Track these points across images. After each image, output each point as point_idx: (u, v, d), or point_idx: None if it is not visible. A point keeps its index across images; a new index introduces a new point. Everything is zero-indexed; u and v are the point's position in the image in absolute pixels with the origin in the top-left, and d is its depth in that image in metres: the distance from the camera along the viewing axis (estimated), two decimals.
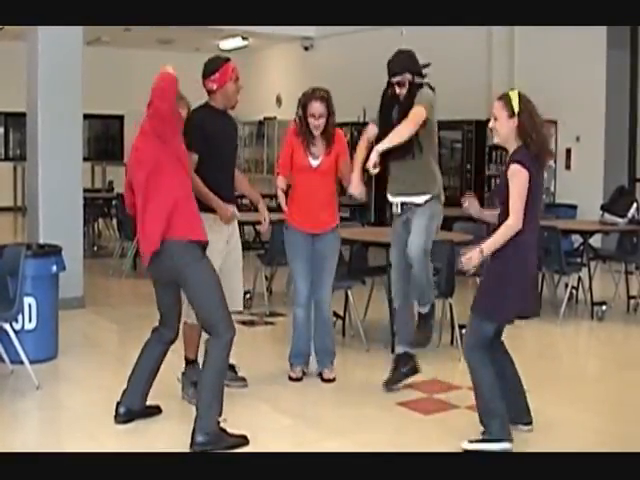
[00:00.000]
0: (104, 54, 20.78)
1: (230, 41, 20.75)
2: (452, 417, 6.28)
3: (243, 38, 20.38)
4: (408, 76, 6.59)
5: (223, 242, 6.33)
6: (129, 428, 5.76)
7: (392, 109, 6.63)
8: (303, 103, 6.93)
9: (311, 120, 6.84)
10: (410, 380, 6.87)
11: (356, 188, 6.46)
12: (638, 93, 14.81)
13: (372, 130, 6.68)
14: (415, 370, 6.91)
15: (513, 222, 5.27)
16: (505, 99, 5.41)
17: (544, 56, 14.59)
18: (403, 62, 6.74)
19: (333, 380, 7.01)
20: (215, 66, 6.45)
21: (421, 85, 6.59)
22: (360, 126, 18.11)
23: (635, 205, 10.62)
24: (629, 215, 10.37)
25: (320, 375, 7.07)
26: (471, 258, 5.34)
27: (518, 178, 5.26)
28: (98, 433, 5.71)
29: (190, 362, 6.46)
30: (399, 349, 6.92)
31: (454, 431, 5.77)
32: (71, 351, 7.80)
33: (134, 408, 5.79)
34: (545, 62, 14.47)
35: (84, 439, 5.60)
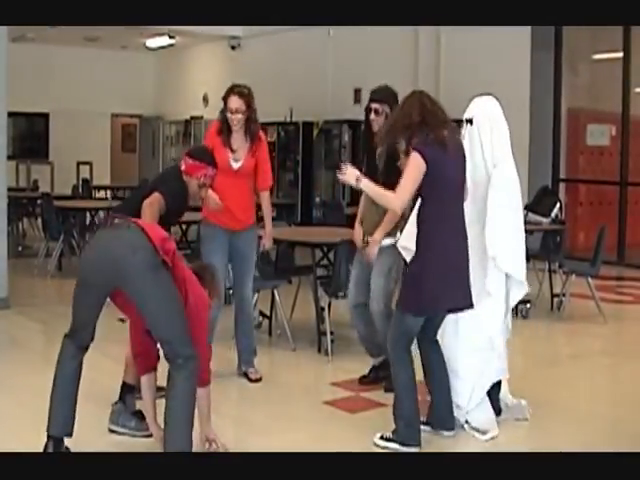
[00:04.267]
0: (29, 51, 20.51)
1: (157, 39, 20.63)
2: (378, 415, 6.31)
3: (170, 37, 20.27)
4: (387, 108, 6.60)
5: None
6: None
7: (368, 145, 6.74)
8: (224, 98, 6.93)
9: (229, 115, 6.82)
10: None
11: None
12: (562, 94, 15.03)
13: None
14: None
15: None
16: None
17: (469, 56, 14.74)
18: (387, 94, 6.77)
19: (260, 380, 7.01)
20: (199, 155, 6.23)
21: None
22: (286, 126, 18.18)
23: (558, 205, 10.79)
24: (552, 215, 10.53)
25: (246, 375, 7.06)
26: (347, 174, 5.43)
27: (410, 161, 5.35)
28: (25, 433, 5.65)
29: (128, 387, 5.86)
30: (376, 362, 6.99)
31: (380, 429, 5.80)
32: None
33: (67, 433, 5.16)
34: (470, 63, 14.62)
35: (11, 440, 5.54)
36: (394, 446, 5.48)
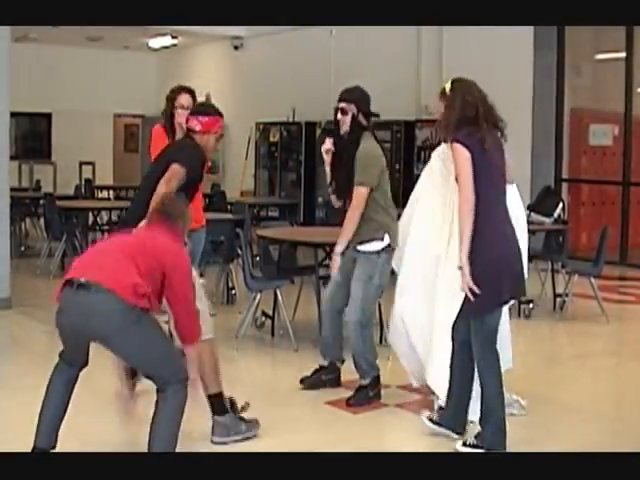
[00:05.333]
0: (32, 51, 20.49)
1: (159, 39, 20.61)
2: (381, 415, 6.31)
3: (172, 37, 20.27)
4: (353, 108, 6.52)
5: None
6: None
7: (337, 151, 6.67)
8: (171, 98, 6.96)
9: (180, 111, 6.85)
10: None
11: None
12: (564, 94, 15.02)
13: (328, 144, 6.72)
14: (337, 383, 6.87)
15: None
16: (441, 92, 5.54)
17: (472, 57, 14.72)
18: (355, 94, 6.67)
19: None
20: (207, 110, 6.27)
21: (364, 127, 6.57)
22: (289, 126, 18.18)
23: (561, 205, 10.77)
24: (555, 215, 10.51)
25: None
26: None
27: (453, 153, 5.34)
28: (26, 434, 5.65)
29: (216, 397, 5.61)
30: (324, 362, 6.91)
31: (383, 429, 5.80)
32: None
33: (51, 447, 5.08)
34: (473, 63, 14.59)
35: (12, 440, 5.53)
36: (477, 451, 5.37)
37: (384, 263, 6.45)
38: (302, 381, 6.83)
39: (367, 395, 6.50)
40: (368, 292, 6.44)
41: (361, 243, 6.44)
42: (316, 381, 6.83)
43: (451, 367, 5.67)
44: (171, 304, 4.92)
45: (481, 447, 5.38)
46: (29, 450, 5.00)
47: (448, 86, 5.53)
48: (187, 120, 6.28)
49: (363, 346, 6.49)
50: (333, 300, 6.72)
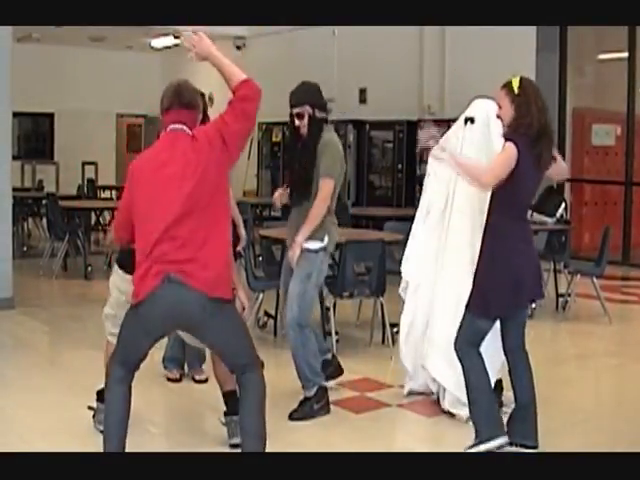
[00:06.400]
0: (34, 51, 20.51)
1: (162, 39, 20.62)
2: (383, 415, 6.32)
3: (175, 37, 20.25)
4: (308, 109, 6.45)
5: None
6: (60, 429, 5.73)
7: (296, 151, 6.56)
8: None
9: None
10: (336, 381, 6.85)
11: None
12: (567, 94, 15.02)
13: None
14: (340, 371, 6.83)
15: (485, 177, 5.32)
16: (507, 86, 5.42)
17: (475, 57, 14.73)
18: (304, 94, 6.59)
19: (206, 381, 6.98)
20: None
21: (324, 120, 6.49)
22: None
23: (563, 205, 10.75)
24: (557, 215, 10.50)
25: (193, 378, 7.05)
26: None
27: (505, 150, 5.28)
28: (28, 434, 5.66)
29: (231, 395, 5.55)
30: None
31: (385, 429, 5.80)
32: (0, 352, 7.71)
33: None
34: (475, 63, 14.62)
35: (14, 440, 5.54)
36: (484, 447, 5.37)
37: (322, 262, 6.31)
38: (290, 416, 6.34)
39: (312, 409, 6.23)
40: (306, 290, 6.23)
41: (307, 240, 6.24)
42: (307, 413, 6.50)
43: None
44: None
45: (481, 442, 5.40)
46: (31, 450, 5.01)
47: (516, 84, 5.40)
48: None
49: (303, 350, 6.29)
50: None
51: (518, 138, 5.25)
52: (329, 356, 6.81)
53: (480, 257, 5.43)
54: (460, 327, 5.47)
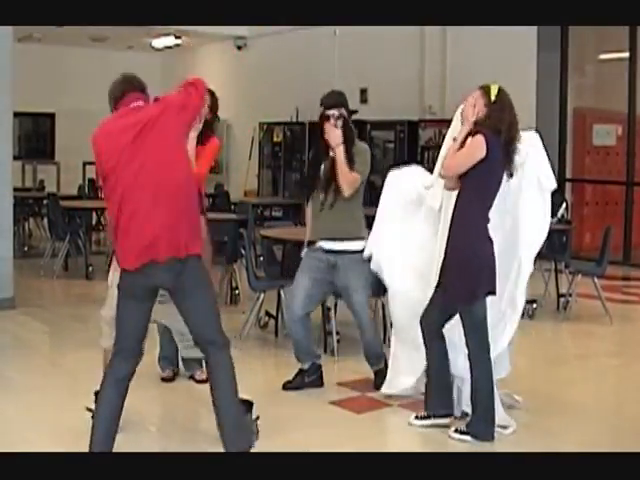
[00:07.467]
0: (35, 51, 20.50)
1: (163, 39, 20.62)
2: (385, 415, 6.32)
3: (176, 37, 20.27)
4: (344, 111, 6.60)
5: None
6: (62, 430, 5.73)
7: (321, 153, 6.73)
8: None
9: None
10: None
11: None
12: (568, 94, 15.02)
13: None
14: (320, 382, 6.92)
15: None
16: (485, 90, 5.68)
17: (475, 57, 14.73)
18: (340, 97, 6.73)
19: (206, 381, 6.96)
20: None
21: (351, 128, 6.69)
22: (292, 126, 18.17)
23: (564, 205, 10.76)
24: (558, 215, 10.50)
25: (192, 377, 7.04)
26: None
27: (473, 141, 5.47)
28: (29, 434, 5.66)
29: None
30: (305, 365, 6.91)
31: (385, 429, 5.80)
32: (1, 353, 7.71)
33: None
34: (476, 63, 14.60)
35: (15, 440, 5.54)
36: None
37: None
38: (284, 386, 6.85)
39: (303, 380, 6.84)
40: (369, 281, 6.64)
41: (345, 240, 6.58)
42: (299, 384, 6.86)
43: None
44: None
45: (467, 434, 5.62)
46: (31, 450, 5.01)
47: (494, 91, 5.67)
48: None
49: (376, 335, 6.97)
50: (307, 308, 6.79)
51: (487, 132, 5.50)
52: (318, 361, 6.94)
53: (452, 250, 5.62)
54: (463, 325, 5.65)
